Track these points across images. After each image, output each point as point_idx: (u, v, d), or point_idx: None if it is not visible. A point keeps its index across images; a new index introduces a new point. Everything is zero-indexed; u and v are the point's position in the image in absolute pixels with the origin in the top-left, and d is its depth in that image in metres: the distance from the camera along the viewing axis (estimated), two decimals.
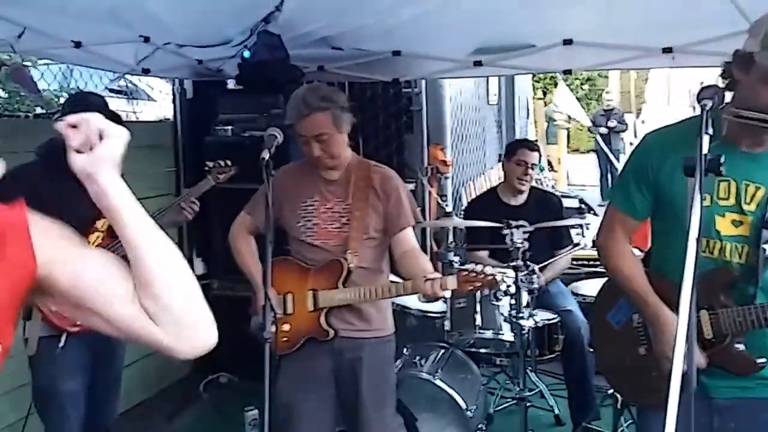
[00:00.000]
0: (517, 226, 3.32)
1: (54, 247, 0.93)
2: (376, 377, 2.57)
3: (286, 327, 2.56)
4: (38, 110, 4.91)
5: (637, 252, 3.51)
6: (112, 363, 2.81)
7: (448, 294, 2.37)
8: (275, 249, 2.66)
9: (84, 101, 2.71)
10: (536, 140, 9.79)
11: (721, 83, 1.73)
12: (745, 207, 1.73)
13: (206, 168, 2.96)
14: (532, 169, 3.91)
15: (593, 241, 3.21)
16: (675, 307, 1.80)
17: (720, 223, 1.75)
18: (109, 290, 0.92)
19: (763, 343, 1.76)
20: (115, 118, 2.75)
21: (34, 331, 2.52)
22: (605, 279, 2.25)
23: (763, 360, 1.74)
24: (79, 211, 2.53)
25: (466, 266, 2.41)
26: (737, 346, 1.76)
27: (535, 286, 3.39)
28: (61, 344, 2.52)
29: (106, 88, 4.35)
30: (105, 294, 0.92)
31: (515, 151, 3.92)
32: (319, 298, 2.51)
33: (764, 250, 1.71)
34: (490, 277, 2.35)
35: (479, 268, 2.34)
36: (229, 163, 2.94)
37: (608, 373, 2.18)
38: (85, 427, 2.74)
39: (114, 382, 2.86)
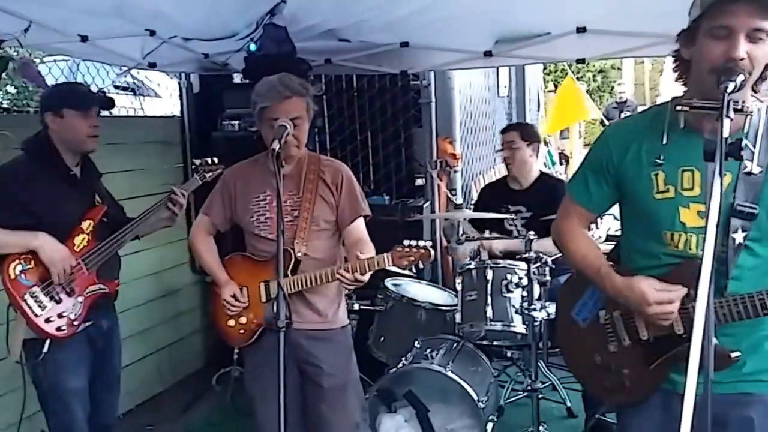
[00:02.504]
0: (515, 212, 3.29)
1: None
2: (335, 366, 2.62)
3: (242, 320, 2.62)
4: None
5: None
6: (111, 361, 2.79)
7: (376, 268, 2.40)
8: (233, 246, 2.73)
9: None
10: (547, 134, 9.72)
11: (674, 78, 1.70)
12: None
13: (193, 166, 3.02)
14: (512, 148, 3.86)
15: (607, 236, 3.16)
16: None
17: (685, 215, 1.69)
18: None
19: (736, 336, 1.67)
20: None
21: (17, 335, 2.48)
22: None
23: (738, 354, 1.64)
24: (66, 213, 2.57)
25: (403, 242, 2.46)
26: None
27: (547, 278, 3.34)
28: (45, 349, 2.48)
29: (113, 83, 4.34)
30: None
31: (500, 141, 4.00)
32: (270, 288, 2.57)
33: (734, 239, 1.62)
34: (423, 250, 2.41)
35: (413, 242, 2.42)
36: (216, 160, 2.99)
37: (577, 372, 2.06)
38: (87, 427, 2.72)
39: (114, 380, 2.83)
